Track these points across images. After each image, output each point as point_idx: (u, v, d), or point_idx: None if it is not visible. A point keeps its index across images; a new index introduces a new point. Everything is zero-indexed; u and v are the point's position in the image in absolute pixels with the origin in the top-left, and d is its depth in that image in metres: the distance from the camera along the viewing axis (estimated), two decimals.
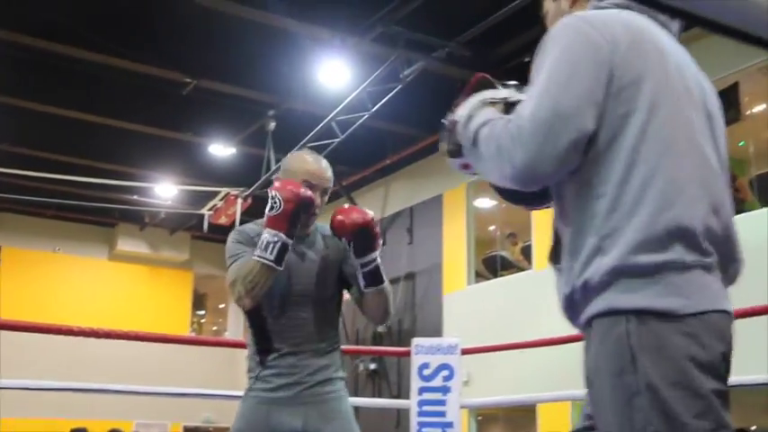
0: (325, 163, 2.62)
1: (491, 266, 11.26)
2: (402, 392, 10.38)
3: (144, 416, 13.37)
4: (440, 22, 8.14)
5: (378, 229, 2.49)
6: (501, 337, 7.08)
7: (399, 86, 8.80)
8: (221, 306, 17.75)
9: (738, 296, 1.55)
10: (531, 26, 7.14)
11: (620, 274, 1.35)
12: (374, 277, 2.50)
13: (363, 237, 2.44)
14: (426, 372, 4.71)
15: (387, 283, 2.54)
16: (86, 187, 12.28)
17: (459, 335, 6.99)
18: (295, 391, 2.48)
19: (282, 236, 2.34)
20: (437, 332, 10.38)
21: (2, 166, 10.99)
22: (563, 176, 1.44)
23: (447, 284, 10.99)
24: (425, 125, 9.88)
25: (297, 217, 2.37)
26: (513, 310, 9.53)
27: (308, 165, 2.57)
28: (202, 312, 18.33)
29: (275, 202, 2.35)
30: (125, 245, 15.28)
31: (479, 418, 11.01)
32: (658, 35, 1.49)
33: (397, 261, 11.55)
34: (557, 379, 6.65)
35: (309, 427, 2.47)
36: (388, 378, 11.59)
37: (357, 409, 2.68)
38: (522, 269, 10.68)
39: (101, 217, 14.70)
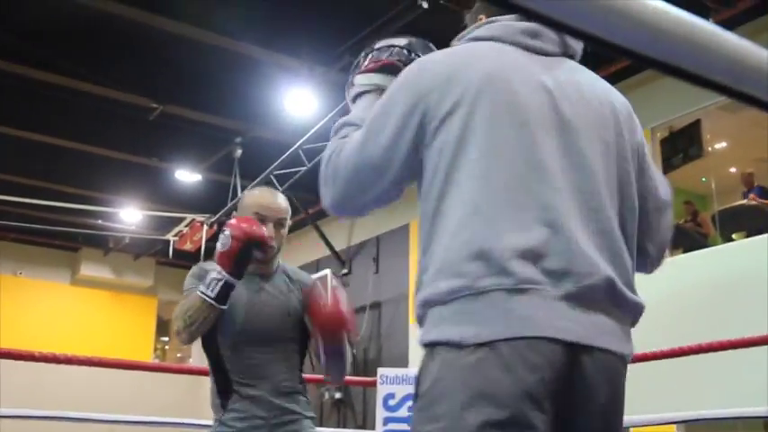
0: (279, 196, 2.60)
1: None
2: (367, 422, 10.31)
3: None
4: None
5: (351, 340, 2.42)
6: None
7: None
8: None
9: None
10: None
11: (426, 306, 1.35)
12: (338, 370, 2.46)
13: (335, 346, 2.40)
14: (392, 402, 4.69)
15: (348, 357, 2.47)
16: (50, 211, 12.14)
17: None
18: None
19: (225, 274, 2.29)
20: (403, 362, 10.33)
21: None
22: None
23: (413, 314, 10.93)
24: None
25: (245, 255, 2.31)
26: None
27: (258, 198, 2.55)
28: (166, 339, 18.11)
29: (225, 240, 2.30)
30: (88, 270, 15.09)
31: None
32: (500, 61, 1.45)
33: (362, 290, 11.55)
34: None
35: None
36: (353, 407, 11.50)
37: None
38: None
39: (64, 241, 14.52)
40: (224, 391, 2.46)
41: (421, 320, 1.38)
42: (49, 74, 8.70)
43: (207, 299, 2.29)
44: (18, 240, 14.40)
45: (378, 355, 11.35)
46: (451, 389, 1.24)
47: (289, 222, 2.59)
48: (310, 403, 2.60)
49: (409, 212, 10.81)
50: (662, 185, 1.60)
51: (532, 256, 1.28)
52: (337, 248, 12.16)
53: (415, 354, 10.46)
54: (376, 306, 11.62)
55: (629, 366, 1.42)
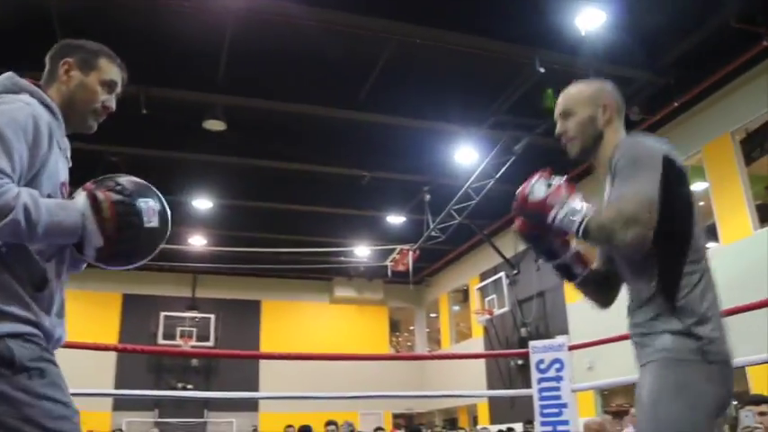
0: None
1: None
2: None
3: (364, 408, 13.56)
4: (537, 106, 7.94)
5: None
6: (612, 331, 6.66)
7: (513, 158, 8.69)
8: (411, 328, 17.75)
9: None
10: None
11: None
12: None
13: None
14: (542, 366, 4.54)
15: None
16: (307, 255, 12.87)
17: (582, 335, 6.63)
18: None
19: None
20: (564, 332, 9.89)
21: (256, 247, 11.76)
22: None
23: (569, 297, 10.52)
24: None
25: None
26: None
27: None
28: (398, 334, 18.38)
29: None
30: (339, 292, 15.52)
31: (605, 392, 10.38)
32: None
33: (529, 284, 11.40)
34: None
35: None
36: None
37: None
38: None
39: (321, 275, 14.96)
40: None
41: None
42: (291, 164, 9.34)
43: None
44: (294, 276, 15.01)
45: (546, 329, 10.99)
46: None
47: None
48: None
49: None
50: None
51: None
52: (507, 256, 11.98)
53: (572, 326, 10.07)
54: (540, 294, 11.29)
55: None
